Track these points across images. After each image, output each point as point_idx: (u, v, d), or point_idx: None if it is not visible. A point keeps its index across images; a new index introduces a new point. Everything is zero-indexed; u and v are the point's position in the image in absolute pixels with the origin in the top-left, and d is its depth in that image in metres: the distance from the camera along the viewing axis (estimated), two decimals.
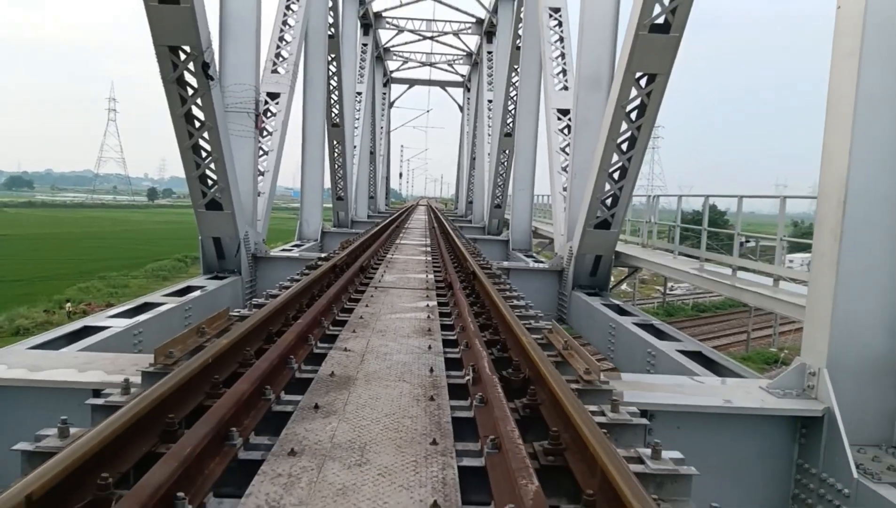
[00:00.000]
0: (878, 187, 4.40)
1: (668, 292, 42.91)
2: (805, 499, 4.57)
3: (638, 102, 9.61)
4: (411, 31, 36.20)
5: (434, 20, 35.70)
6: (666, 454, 2.81)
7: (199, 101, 9.63)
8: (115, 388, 3.37)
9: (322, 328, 5.14)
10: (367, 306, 6.44)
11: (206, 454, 2.52)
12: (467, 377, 3.87)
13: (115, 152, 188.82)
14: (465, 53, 42.19)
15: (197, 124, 9.92)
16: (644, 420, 3.39)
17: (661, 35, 8.89)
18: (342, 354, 4.45)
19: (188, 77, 9.46)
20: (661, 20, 8.84)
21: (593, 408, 3.42)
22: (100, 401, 3.12)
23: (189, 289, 9.91)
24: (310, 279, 6.53)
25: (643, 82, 9.42)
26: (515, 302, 6.68)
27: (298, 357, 4.11)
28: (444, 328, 5.56)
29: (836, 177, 4.49)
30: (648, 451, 2.85)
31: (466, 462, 2.80)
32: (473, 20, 34.24)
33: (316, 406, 3.31)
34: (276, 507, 2.27)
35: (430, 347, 4.77)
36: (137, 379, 3.73)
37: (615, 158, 10.19)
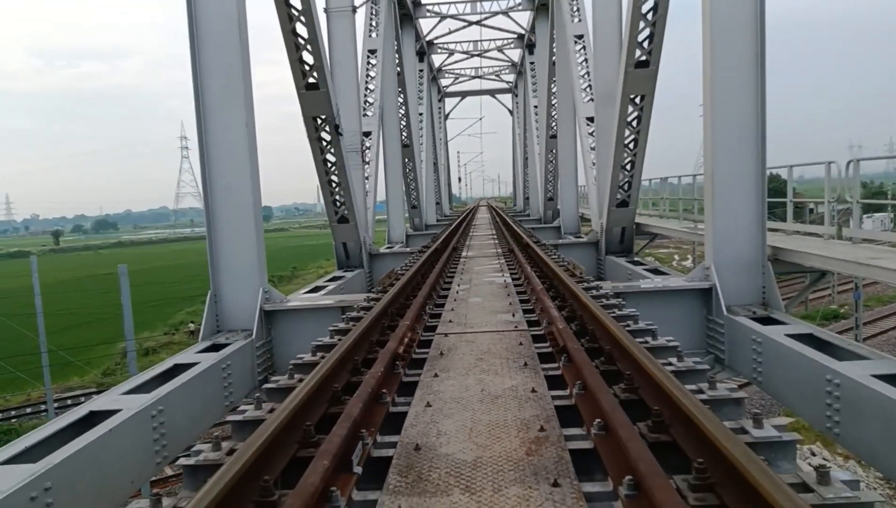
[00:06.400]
0: (730, 168, 8.49)
1: None
2: (710, 334, 8.70)
3: (635, 115, 13.66)
4: (461, 52, 40.70)
5: (480, 40, 40.08)
6: (642, 323, 6.87)
7: (332, 149, 14.30)
8: (363, 300, 7.88)
9: (445, 271, 9.62)
10: (464, 263, 10.93)
11: (429, 297, 7.00)
12: (522, 279, 8.25)
13: (192, 187, 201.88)
14: (509, 63, 46.42)
15: (329, 165, 14.59)
16: (608, 286, 7.65)
17: (643, 69, 12.92)
18: (459, 278, 8.91)
19: (324, 134, 14.15)
20: (643, 59, 12.91)
21: (582, 285, 7.69)
22: (377, 291, 7.67)
23: (336, 278, 14.62)
24: (429, 253, 11.06)
25: (637, 100, 13.48)
26: (553, 257, 10.95)
27: (443, 280, 8.57)
28: (509, 268, 9.95)
29: (708, 163, 8.60)
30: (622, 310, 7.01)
31: (522, 298, 7.19)
32: (515, 36, 38.46)
33: (457, 291, 7.77)
34: (454, 310, 6.71)
35: (502, 274, 9.18)
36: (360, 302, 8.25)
37: (625, 154, 14.27)
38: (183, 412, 6.69)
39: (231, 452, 3.30)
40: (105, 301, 46.53)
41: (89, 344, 35.96)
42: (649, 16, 12.03)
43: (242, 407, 3.94)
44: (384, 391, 3.75)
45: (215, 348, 8.35)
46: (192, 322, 40.54)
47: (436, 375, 4.28)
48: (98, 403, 6.09)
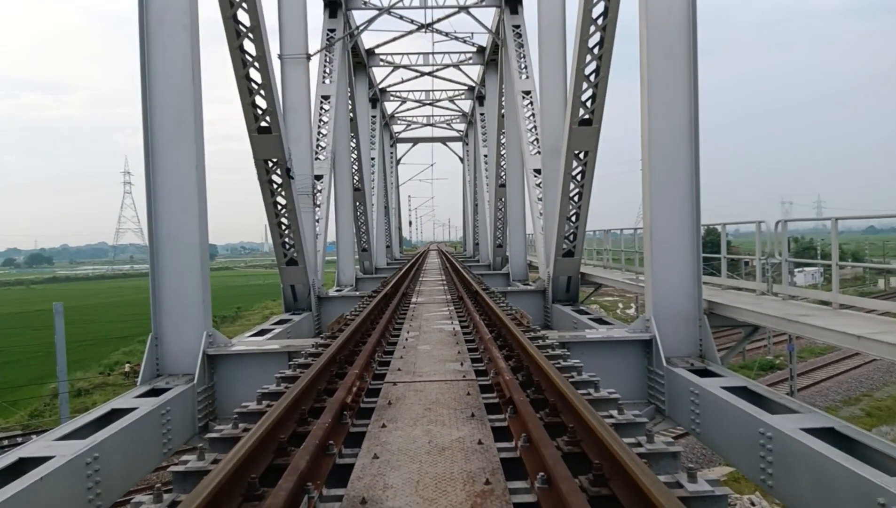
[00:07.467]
0: (667, 225, 8.87)
1: None
2: (650, 384, 8.94)
3: (580, 169, 14.15)
4: (413, 101, 41.47)
5: (432, 89, 40.95)
6: (586, 373, 7.05)
7: (282, 192, 14.27)
8: (311, 345, 7.84)
9: (395, 317, 9.65)
10: (414, 309, 10.96)
11: (379, 344, 7.01)
12: (471, 327, 8.35)
13: (133, 223, 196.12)
14: (460, 113, 47.42)
15: (279, 207, 14.54)
16: (554, 336, 7.81)
17: (587, 127, 13.45)
18: (409, 324, 8.95)
19: (275, 177, 14.13)
20: (586, 117, 13.45)
21: (529, 335, 7.83)
22: (325, 337, 7.63)
23: (283, 321, 14.42)
24: (378, 298, 11.06)
25: (581, 156, 13.98)
26: (502, 305, 11.12)
27: (392, 326, 8.60)
28: (458, 316, 10.05)
29: (647, 220, 8.98)
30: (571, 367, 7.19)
31: (471, 347, 7.28)
32: (466, 87, 39.42)
33: (406, 338, 7.80)
34: (403, 358, 6.75)
35: (451, 321, 9.26)
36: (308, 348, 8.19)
37: (570, 206, 14.71)
38: (119, 459, 6.46)
39: (173, 504, 3.24)
40: (36, 339, 44.41)
41: (16, 384, 34.10)
42: (592, 77, 12.61)
43: (185, 457, 3.88)
44: (331, 442, 3.76)
45: (155, 392, 8.13)
46: (128, 363, 38.97)
47: (384, 425, 4.30)
48: (28, 449, 5.85)
